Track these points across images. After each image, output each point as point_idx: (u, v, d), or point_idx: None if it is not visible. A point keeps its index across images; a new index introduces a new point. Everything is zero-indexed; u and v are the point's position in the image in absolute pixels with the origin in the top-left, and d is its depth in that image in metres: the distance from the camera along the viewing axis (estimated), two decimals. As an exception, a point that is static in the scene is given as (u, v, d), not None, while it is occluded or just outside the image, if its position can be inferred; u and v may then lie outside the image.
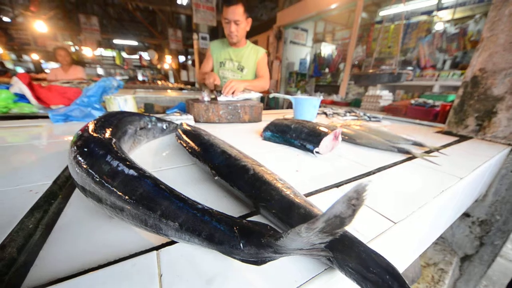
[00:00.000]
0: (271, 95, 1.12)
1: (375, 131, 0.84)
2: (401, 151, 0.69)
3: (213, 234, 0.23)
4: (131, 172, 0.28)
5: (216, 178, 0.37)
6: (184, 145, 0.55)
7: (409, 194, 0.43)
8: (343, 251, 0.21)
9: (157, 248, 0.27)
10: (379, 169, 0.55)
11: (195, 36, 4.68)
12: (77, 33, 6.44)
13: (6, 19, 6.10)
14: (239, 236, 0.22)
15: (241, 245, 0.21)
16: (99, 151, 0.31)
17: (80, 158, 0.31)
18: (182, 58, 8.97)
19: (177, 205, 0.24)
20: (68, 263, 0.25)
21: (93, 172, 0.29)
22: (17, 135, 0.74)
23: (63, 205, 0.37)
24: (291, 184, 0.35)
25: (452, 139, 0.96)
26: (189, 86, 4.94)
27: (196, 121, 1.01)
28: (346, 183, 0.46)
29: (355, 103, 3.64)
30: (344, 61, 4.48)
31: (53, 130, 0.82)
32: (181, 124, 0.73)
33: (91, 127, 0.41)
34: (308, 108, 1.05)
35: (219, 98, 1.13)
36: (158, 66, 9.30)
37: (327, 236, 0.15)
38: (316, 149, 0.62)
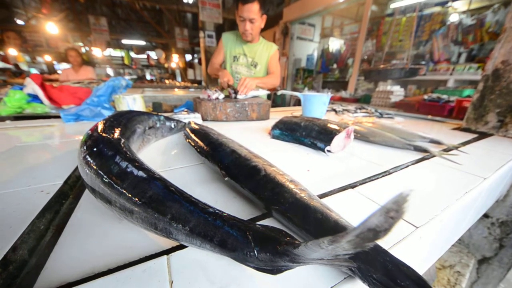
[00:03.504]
0: (279, 92, 1.10)
1: (388, 129, 0.80)
2: (418, 149, 0.65)
3: (225, 240, 0.21)
4: (140, 173, 0.27)
5: (226, 179, 0.36)
6: (193, 144, 0.54)
7: (430, 196, 0.41)
8: (367, 261, 0.19)
9: (167, 252, 0.26)
10: (396, 169, 0.52)
11: (201, 34, 4.67)
12: (87, 34, 6.58)
13: (20, 22, 6.30)
14: (253, 243, 0.21)
15: (255, 252, 0.20)
16: (108, 152, 0.30)
17: (89, 159, 0.31)
18: (188, 57, 9.02)
19: (187, 208, 0.23)
20: (78, 266, 0.25)
21: (102, 173, 0.28)
22: (31, 135, 0.76)
23: (74, 205, 0.36)
24: (303, 184, 0.33)
25: (470, 136, 0.92)
26: (195, 85, 4.97)
27: (203, 119, 1.00)
28: (361, 184, 0.44)
29: (365, 99, 3.55)
30: (353, 56, 4.37)
31: (64, 130, 0.83)
32: (189, 122, 0.72)
33: (100, 127, 0.41)
34: (317, 105, 1.02)
35: (233, 96, 1.12)
36: (166, 65, 9.40)
37: (354, 249, 0.14)
38: (328, 148, 0.60)
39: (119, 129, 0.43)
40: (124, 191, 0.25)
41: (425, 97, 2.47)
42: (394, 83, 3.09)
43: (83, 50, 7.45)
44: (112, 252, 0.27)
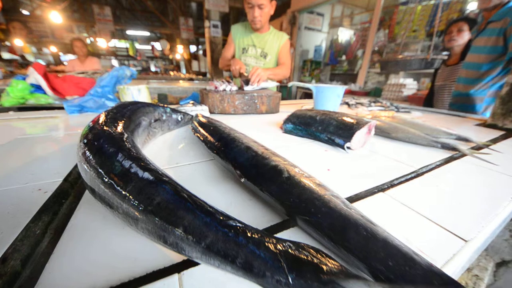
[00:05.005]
0: (289, 84, 1.04)
1: (410, 124, 0.74)
2: (446, 147, 0.60)
3: (250, 262, 0.17)
4: (146, 175, 0.23)
5: (243, 180, 0.31)
6: (202, 138, 0.50)
7: (472, 202, 0.36)
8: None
9: (179, 268, 0.22)
10: (426, 169, 0.47)
11: (206, 23, 4.55)
12: (91, 24, 6.51)
13: (25, 12, 6.27)
14: (287, 267, 0.16)
15: (289, 280, 0.16)
16: (109, 148, 0.26)
17: (88, 155, 0.27)
18: (193, 48, 8.89)
19: (203, 220, 0.19)
20: (76, 280, 0.21)
21: (102, 173, 0.24)
22: (33, 126, 0.73)
23: (74, 205, 0.33)
24: (333, 189, 0.29)
25: (497, 133, 0.85)
26: (200, 76, 4.89)
27: (210, 112, 0.96)
28: (391, 187, 0.39)
29: (375, 93, 3.44)
30: (363, 48, 4.22)
31: (68, 122, 0.80)
32: (196, 115, 0.68)
33: (102, 119, 0.37)
34: (331, 97, 0.96)
35: (246, 88, 1.07)
36: (170, 57, 9.30)
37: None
38: (348, 144, 0.55)
39: (123, 121, 0.39)
40: (128, 196, 0.21)
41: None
42: (407, 76, 2.95)
43: (88, 41, 7.41)
44: (114, 264, 0.23)
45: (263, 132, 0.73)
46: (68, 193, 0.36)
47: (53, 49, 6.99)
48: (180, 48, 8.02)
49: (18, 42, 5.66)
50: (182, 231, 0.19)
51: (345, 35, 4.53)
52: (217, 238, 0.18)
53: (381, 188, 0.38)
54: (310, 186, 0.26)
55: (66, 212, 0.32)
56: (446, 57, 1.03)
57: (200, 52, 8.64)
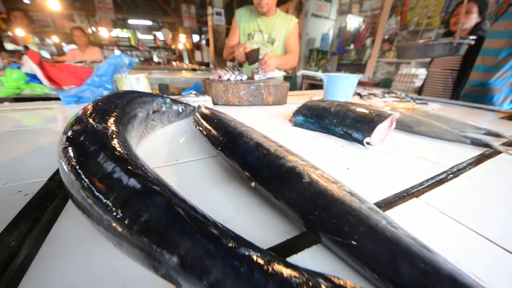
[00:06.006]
0: (298, 73, 0.98)
1: (433, 116, 0.68)
2: (476, 143, 0.53)
3: (271, 311, 0.12)
4: (132, 182, 0.18)
5: (253, 185, 0.26)
6: (204, 132, 0.45)
7: (523, 210, 0.30)
8: None
9: (174, 301, 0.17)
10: (459, 169, 0.41)
11: (209, 10, 4.38)
12: (92, 13, 6.37)
13: (26, 0, 6.15)
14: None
15: None
16: (90, 146, 0.22)
17: (67, 153, 0.22)
18: (196, 38, 8.68)
19: (205, 248, 0.14)
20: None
21: (80, 178, 0.19)
22: (27, 118, 0.69)
23: (59, 209, 0.29)
24: (368, 200, 0.24)
25: (528, 126, 0.77)
26: (203, 67, 4.78)
27: (214, 103, 0.90)
28: (425, 191, 0.33)
29: (384, 83, 3.31)
30: (372, 36, 4.03)
31: (65, 113, 0.76)
32: (199, 106, 0.63)
33: (90, 109, 0.32)
34: (344, 87, 0.89)
35: (256, 76, 0.99)
36: (173, 47, 9.12)
37: None
38: (367, 139, 0.49)
39: (115, 113, 0.34)
40: (108, 211, 0.17)
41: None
42: (419, 66, 2.81)
43: (89, 31, 7.28)
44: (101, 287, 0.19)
45: (270, 125, 0.67)
46: (54, 194, 0.31)
47: (55, 39, 6.91)
48: (182, 38, 7.85)
49: (19, 32, 5.59)
50: (177, 261, 0.14)
51: (353, 22, 4.32)
52: (224, 275, 0.13)
53: (411, 192, 0.33)
54: (340, 195, 0.21)
55: (49, 218, 0.28)
56: (473, 42, 0.93)
57: (203, 42, 8.43)
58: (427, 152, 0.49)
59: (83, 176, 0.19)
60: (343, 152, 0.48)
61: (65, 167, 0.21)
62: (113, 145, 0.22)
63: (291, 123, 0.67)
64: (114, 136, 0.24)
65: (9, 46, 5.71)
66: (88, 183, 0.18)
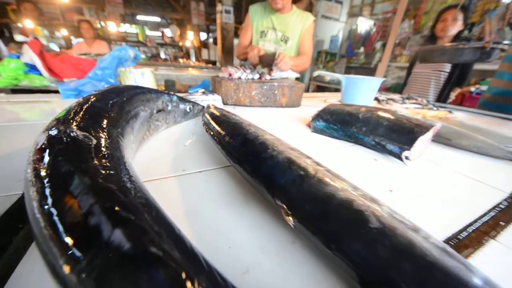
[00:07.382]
0: (315, 73, 0.90)
1: (471, 128, 0.60)
2: (530, 161, 0.46)
3: None
4: (116, 237, 0.11)
5: (293, 224, 0.19)
6: (217, 139, 0.38)
7: None
8: None
9: None
10: (527, 196, 0.34)
11: (218, 7, 4.33)
12: (101, 7, 6.38)
13: (36, -8, 6.18)
14: None
15: None
16: (62, 162, 0.15)
17: (34, 164, 0.16)
18: (203, 36, 8.66)
19: None
20: None
21: (38, 203, 0.13)
22: (21, 112, 0.63)
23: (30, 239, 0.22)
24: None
25: None
26: (210, 65, 4.73)
27: (223, 103, 0.83)
28: (501, 228, 0.26)
29: (395, 88, 3.21)
30: (383, 39, 3.94)
31: (63, 107, 0.70)
32: (208, 106, 0.56)
33: (76, 109, 0.25)
34: (365, 90, 0.82)
35: (273, 74, 0.93)
36: (180, 44, 9.11)
37: None
38: (406, 153, 0.42)
39: (109, 113, 0.28)
40: (67, 261, 0.10)
41: (472, 89, 2.15)
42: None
43: (98, 25, 7.30)
44: None
45: (286, 130, 0.60)
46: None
47: (64, 32, 6.93)
48: (190, 35, 7.82)
49: (28, 23, 5.60)
50: None
51: (364, 25, 4.23)
52: None
53: (489, 233, 0.25)
54: (429, 253, 0.14)
55: (20, 246, 0.21)
56: (506, 47, 0.85)
57: (210, 40, 8.40)
58: (475, 171, 0.41)
59: (41, 221, 0.12)
60: (378, 168, 0.40)
61: (26, 195, 0.14)
62: (94, 165, 0.15)
63: (310, 129, 0.60)
64: (100, 148, 0.17)
65: (18, 37, 5.73)
66: (48, 234, 0.11)
